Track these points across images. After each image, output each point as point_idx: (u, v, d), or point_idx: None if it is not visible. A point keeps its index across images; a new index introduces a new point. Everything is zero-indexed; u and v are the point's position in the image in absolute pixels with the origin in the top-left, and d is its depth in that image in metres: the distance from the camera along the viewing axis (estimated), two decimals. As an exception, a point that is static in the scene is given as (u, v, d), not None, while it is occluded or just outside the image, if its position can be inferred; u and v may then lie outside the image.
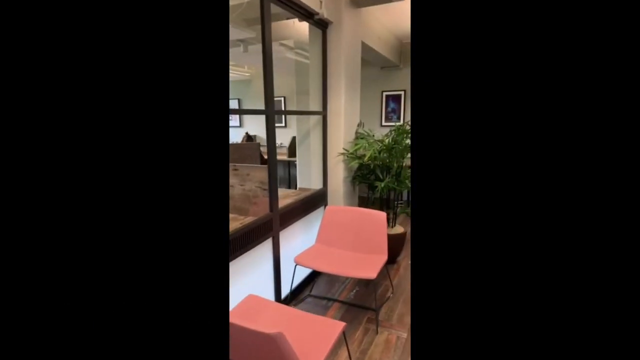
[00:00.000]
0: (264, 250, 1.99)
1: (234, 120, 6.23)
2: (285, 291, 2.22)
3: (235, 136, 6.11)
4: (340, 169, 2.69)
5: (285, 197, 2.57)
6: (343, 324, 1.47)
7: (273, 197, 2.00)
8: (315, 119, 2.66)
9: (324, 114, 2.61)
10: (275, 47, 3.16)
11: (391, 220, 2.87)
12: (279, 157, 5.02)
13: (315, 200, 2.59)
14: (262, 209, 2.09)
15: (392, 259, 2.86)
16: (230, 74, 5.37)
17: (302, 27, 2.56)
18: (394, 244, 2.80)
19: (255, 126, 6.11)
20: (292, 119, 6.25)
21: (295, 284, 2.36)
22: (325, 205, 2.74)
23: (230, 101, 6.24)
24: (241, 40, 3.04)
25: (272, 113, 1.92)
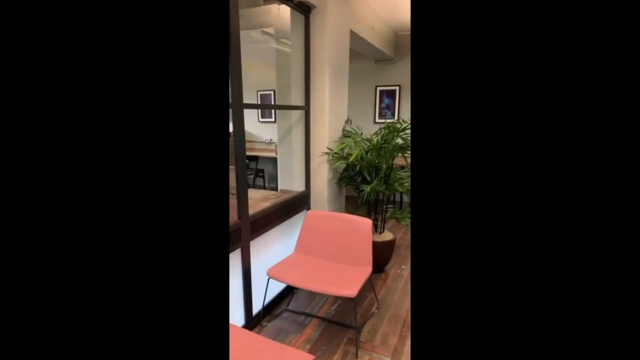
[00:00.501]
0: (232, 263, 1.76)
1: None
2: (257, 307, 1.99)
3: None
4: (324, 169, 2.46)
5: (264, 200, 2.34)
6: (311, 357, 1.24)
7: (241, 202, 1.77)
8: (298, 114, 2.42)
9: (306, 108, 2.36)
10: (258, 36, 2.91)
11: (379, 226, 2.65)
12: (267, 155, 4.81)
13: (297, 204, 2.36)
14: (230, 216, 1.85)
15: (380, 267, 2.64)
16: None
17: (287, 14, 2.30)
18: (382, 252, 2.58)
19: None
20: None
21: (270, 297, 2.13)
22: (308, 209, 2.50)
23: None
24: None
25: (239, 107, 1.68)
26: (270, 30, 2.63)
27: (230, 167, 1.81)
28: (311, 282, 1.78)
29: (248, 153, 5.11)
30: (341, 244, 2.07)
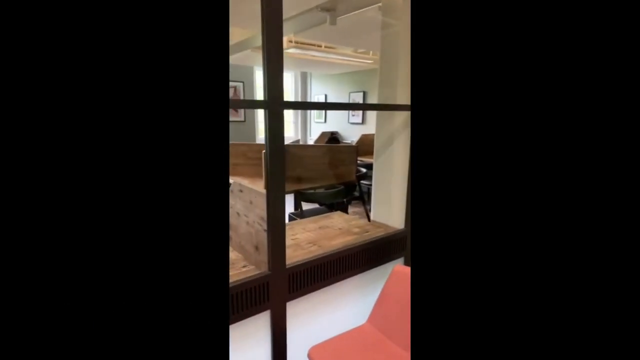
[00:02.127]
0: (252, 329, 1.23)
1: (356, 115, 5.53)
2: (296, 393, 1.40)
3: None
4: (435, 201, 1.63)
5: (346, 234, 1.73)
6: None
7: (275, 245, 1.20)
8: (402, 118, 1.68)
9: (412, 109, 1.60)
10: (373, 14, 2.27)
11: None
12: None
13: (389, 248, 1.64)
14: (257, 265, 1.30)
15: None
16: (353, 62, 4.69)
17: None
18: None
19: (336, 122, 5.72)
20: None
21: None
22: (406, 259, 1.73)
23: (356, 94, 5.58)
24: (326, 10, 2.28)
25: (276, 107, 1.11)
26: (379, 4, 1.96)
27: (260, 190, 1.27)
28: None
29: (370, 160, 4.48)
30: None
